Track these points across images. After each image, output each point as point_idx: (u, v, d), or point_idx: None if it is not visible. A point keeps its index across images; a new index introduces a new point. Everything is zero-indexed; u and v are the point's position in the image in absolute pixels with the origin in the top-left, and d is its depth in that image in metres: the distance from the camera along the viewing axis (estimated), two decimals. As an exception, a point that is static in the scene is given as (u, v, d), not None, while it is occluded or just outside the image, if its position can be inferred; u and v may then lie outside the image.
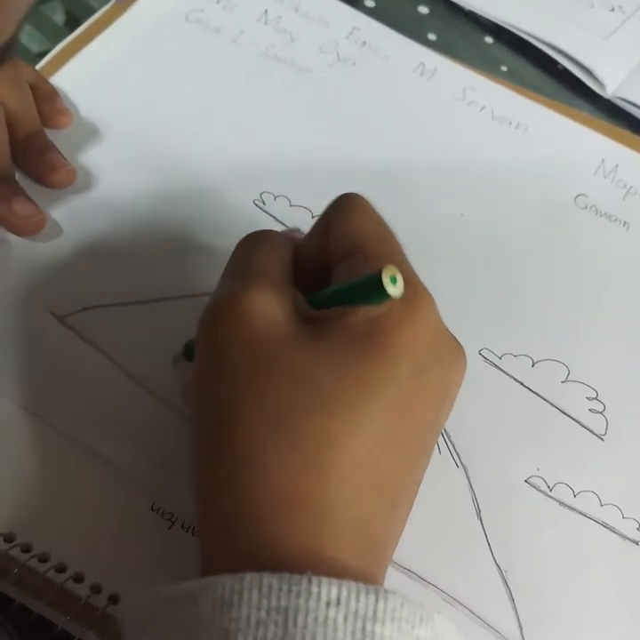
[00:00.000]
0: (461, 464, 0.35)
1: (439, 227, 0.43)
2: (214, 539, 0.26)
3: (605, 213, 0.45)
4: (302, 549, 0.24)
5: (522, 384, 0.38)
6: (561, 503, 0.35)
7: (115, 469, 0.34)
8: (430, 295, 0.27)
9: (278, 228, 0.41)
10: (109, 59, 0.47)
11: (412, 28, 0.52)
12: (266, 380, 0.25)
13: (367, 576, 0.25)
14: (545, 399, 0.38)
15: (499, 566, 0.33)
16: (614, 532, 0.34)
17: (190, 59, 0.48)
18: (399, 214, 0.42)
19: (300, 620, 0.21)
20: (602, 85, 0.52)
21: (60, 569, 0.31)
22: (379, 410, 0.25)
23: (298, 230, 0.36)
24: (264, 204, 0.42)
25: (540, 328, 0.40)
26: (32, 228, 0.39)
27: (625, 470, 0.36)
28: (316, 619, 0.21)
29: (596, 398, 0.38)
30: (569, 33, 0.55)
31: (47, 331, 0.37)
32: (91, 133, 0.44)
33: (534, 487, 0.35)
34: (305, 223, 0.41)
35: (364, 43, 0.50)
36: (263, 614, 0.21)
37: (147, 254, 0.40)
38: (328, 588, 0.21)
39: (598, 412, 0.37)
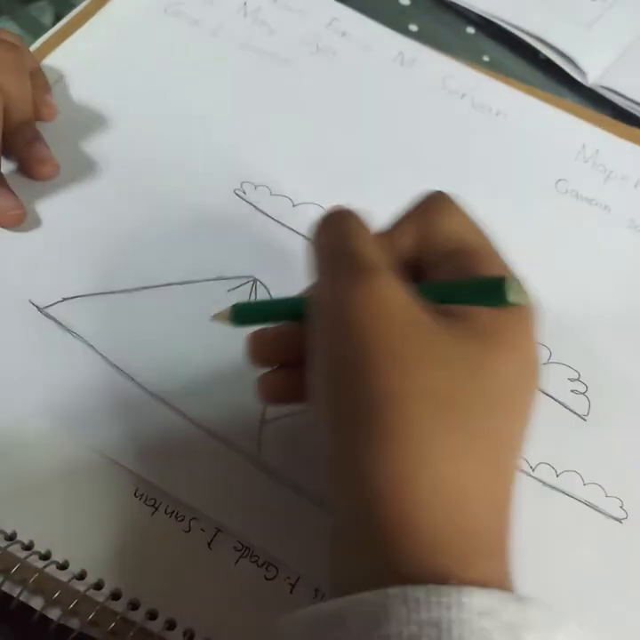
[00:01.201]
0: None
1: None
2: (349, 547, 0.25)
3: (586, 197, 0.45)
4: (434, 554, 0.23)
5: (504, 366, 0.38)
6: (544, 483, 0.35)
7: (98, 456, 0.34)
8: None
9: (259, 217, 0.42)
10: (89, 52, 0.47)
11: (393, 19, 0.53)
12: (425, 365, 0.24)
13: (503, 579, 0.24)
14: (527, 381, 0.38)
15: (482, 546, 0.33)
16: (598, 511, 0.35)
17: (170, 52, 0.48)
18: (380, 203, 0.43)
19: (455, 633, 0.20)
20: (584, 74, 0.53)
21: (45, 557, 0.32)
22: (519, 406, 0.25)
23: None
24: (245, 193, 0.43)
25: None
26: (12, 220, 0.39)
27: (607, 450, 0.36)
28: (471, 630, 0.21)
29: (578, 379, 0.38)
30: (551, 22, 0.55)
31: (28, 321, 0.37)
32: (70, 126, 0.44)
33: (517, 467, 0.35)
34: (286, 211, 0.42)
35: (344, 33, 0.50)
36: (414, 629, 0.21)
37: (127, 244, 0.40)
38: (479, 598, 0.21)
39: (580, 393, 0.38)
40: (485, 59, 0.54)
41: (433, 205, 0.30)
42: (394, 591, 0.21)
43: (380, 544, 0.23)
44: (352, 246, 0.26)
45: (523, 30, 0.55)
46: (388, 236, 0.29)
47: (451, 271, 0.28)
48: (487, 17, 0.55)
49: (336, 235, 0.28)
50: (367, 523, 0.24)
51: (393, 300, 0.25)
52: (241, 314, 0.31)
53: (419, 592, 0.21)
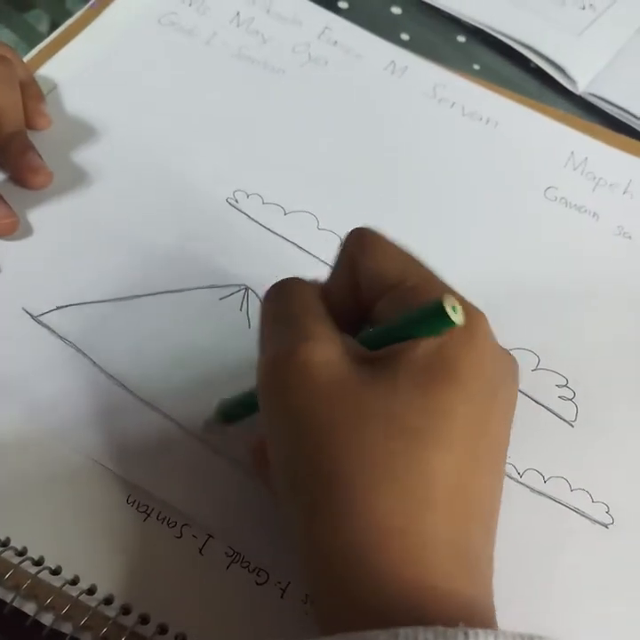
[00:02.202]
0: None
1: (409, 220, 0.44)
2: (330, 588, 0.25)
3: (575, 205, 0.45)
4: (422, 586, 0.24)
5: (493, 373, 0.38)
6: (531, 489, 0.35)
7: (91, 462, 0.34)
8: (482, 313, 0.28)
9: (251, 225, 0.42)
10: (83, 61, 0.48)
11: (385, 29, 0.53)
12: (351, 425, 0.25)
13: (487, 607, 0.25)
14: (516, 387, 0.38)
15: (469, 553, 0.33)
16: (585, 517, 0.35)
17: (164, 61, 0.49)
18: (370, 212, 0.43)
19: None
20: (573, 82, 0.53)
21: (38, 562, 0.32)
22: (461, 433, 0.25)
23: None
24: (237, 202, 0.43)
25: (509, 317, 0.40)
26: (5, 229, 0.40)
27: (595, 456, 0.36)
28: None
29: (566, 385, 0.38)
30: (540, 31, 0.55)
31: (22, 329, 0.37)
32: (63, 136, 0.44)
33: (505, 473, 0.35)
34: (278, 220, 0.42)
35: (336, 42, 0.50)
36: None
37: (120, 252, 0.40)
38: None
39: (568, 399, 0.38)
40: (476, 67, 0.54)
41: (356, 245, 0.30)
42: (404, 631, 0.21)
43: (380, 590, 0.24)
44: (289, 311, 0.28)
45: (513, 39, 0.55)
46: (328, 287, 0.30)
47: (390, 307, 0.28)
48: (478, 25, 0.56)
49: (279, 299, 0.29)
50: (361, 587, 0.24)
51: (320, 365, 0.26)
52: (226, 411, 0.34)
53: (428, 634, 0.21)
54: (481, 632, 0.21)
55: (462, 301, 0.27)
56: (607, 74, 0.54)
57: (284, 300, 0.29)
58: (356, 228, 0.30)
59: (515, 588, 0.33)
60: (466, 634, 0.21)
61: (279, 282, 0.30)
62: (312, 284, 0.30)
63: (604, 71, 0.54)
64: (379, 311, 0.28)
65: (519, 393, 0.37)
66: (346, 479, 0.25)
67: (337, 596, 0.25)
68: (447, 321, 0.24)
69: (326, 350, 0.26)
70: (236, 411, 0.34)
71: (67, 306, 0.38)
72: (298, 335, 0.27)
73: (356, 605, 0.24)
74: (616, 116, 0.52)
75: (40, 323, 0.38)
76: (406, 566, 0.24)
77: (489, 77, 0.53)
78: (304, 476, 0.26)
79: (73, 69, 0.47)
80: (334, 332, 0.28)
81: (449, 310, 0.24)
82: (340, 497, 0.25)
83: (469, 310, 0.27)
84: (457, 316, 0.25)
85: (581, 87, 0.53)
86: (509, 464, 0.36)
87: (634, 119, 0.52)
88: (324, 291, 0.30)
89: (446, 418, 0.25)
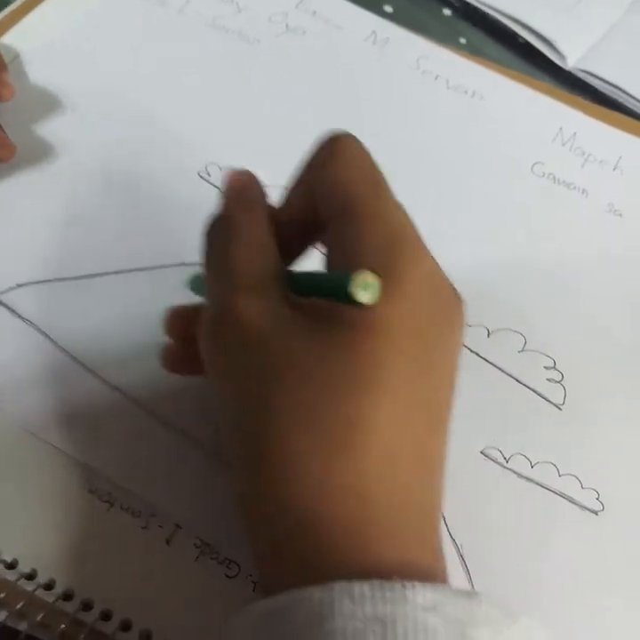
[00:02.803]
0: (415, 436, 0.34)
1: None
2: (273, 553, 0.25)
3: (563, 181, 0.44)
4: (362, 546, 0.23)
5: (477, 354, 0.37)
6: (518, 474, 0.34)
7: (50, 450, 0.32)
8: (418, 247, 0.26)
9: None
10: (48, 30, 0.46)
11: (367, 0, 0.51)
12: (281, 380, 0.25)
13: (429, 562, 0.24)
14: (501, 369, 0.36)
15: (454, 540, 0.32)
16: (573, 503, 0.34)
17: (134, 30, 0.47)
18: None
19: (400, 629, 0.20)
20: (563, 58, 0.52)
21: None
22: (393, 383, 0.24)
23: (247, 174, 0.31)
24: (209, 175, 0.41)
25: (496, 297, 0.39)
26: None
27: (584, 440, 0.35)
28: (415, 626, 0.20)
29: (553, 367, 0.37)
30: (530, 5, 0.54)
31: (-20, 308, 0.36)
32: (27, 107, 0.42)
33: (490, 458, 0.34)
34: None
35: (314, 12, 0.49)
36: (359, 624, 0.20)
37: (85, 228, 0.39)
38: (423, 593, 0.21)
39: (556, 382, 0.36)
40: (462, 41, 0.52)
41: (318, 154, 0.28)
42: (340, 586, 0.21)
43: (315, 551, 0.23)
44: (225, 261, 0.27)
45: (501, 13, 0.53)
46: (285, 205, 0.29)
47: (336, 238, 0.27)
48: (464, -1, 0.54)
49: (217, 243, 0.28)
50: (296, 540, 0.24)
51: (252, 321, 0.25)
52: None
53: (364, 587, 0.21)
54: (418, 585, 0.21)
55: (402, 234, 0.26)
56: (598, 49, 0.52)
57: (220, 243, 0.28)
58: (328, 133, 0.28)
59: (502, 575, 0.32)
60: (403, 586, 0.21)
61: (218, 218, 0.29)
62: (256, 211, 0.29)
63: (595, 47, 0.53)
64: (329, 239, 0.27)
65: (504, 374, 0.36)
66: (268, 424, 0.24)
67: (276, 558, 0.24)
68: (353, 301, 0.23)
69: (261, 303, 0.26)
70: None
71: (27, 284, 0.37)
72: (233, 290, 0.26)
73: (293, 566, 0.24)
74: (606, 92, 0.51)
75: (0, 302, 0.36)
76: (338, 519, 0.23)
77: (475, 52, 0.51)
78: (237, 420, 0.26)
79: (36, 38, 0.45)
80: (274, 277, 0.27)
81: (355, 289, 0.23)
82: (263, 444, 0.24)
83: (410, 247, 0.26)
84: (368, 295, 0.23)
85: (571, 62, 0.52)
86: (495, 449, 0.34)
87: (624, 95, 0.50)
88: (277, 210, 0.29)
89: (372, 371, 0.24)
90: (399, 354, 0.24)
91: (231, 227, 0.28)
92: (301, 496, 0.24)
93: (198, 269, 0.31)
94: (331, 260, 0.27)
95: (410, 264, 0.25)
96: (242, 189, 0.30)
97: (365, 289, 0.23)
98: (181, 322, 0.31)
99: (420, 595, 0.21)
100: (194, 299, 0.31)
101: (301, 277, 0.27)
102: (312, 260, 0.30)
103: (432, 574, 0.24)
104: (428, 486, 0.25)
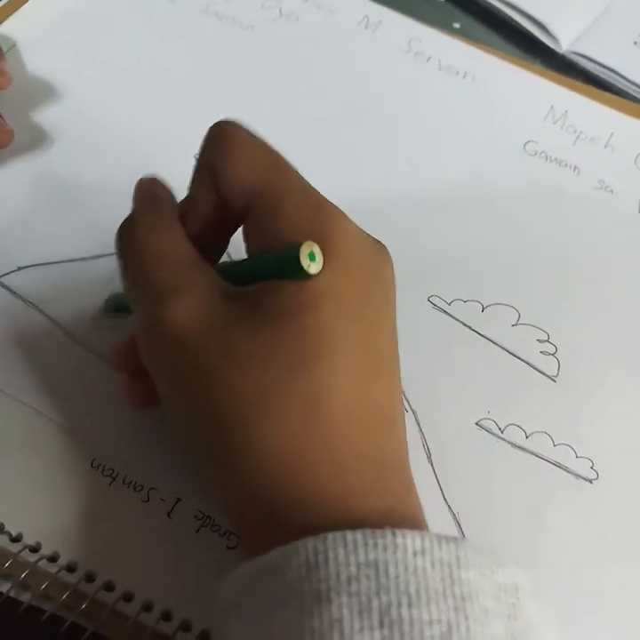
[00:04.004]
0: (411, 409, 0.34)
1: (387, 178, 0.42)
2: (259, 527, 0.26)
3: (555, 159, 0.44)
4: (344, 504, 0.24)
5: (471, 329, 0.37)
6: (513, 445, 0.34)
7: (54, 427, 0.33)
8: (337, 210, 0.27)
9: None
10: (44, 20, 0.46)
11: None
12: (226, 369, 0.25)
13: (410, 510, 0.25)
14: (496, 343, 0.37)
15: (451, 509, 0.32)
16: (568, 472, 0.34)
17: (128, 18, 0.47)
18: (345, 169, 0.42)
19: (392, 571, 0.21)
20: (556, 41, 0.52)
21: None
22: (343, 350, 0.25)
23: (154, 180, 0.31)
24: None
25: (489, 273, 0.39)
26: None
27: (578, 410, 0.35)
28: (406, 568, 0.21)
29: (547, 340, 0.37)
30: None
31: (-19, 291, 0.36)
32: (24, 94, 0.43)
33: (485, 429, 0.34)
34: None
35: (307, -3, 0.49)
36: (353, 570, 0.21)
37: (84, 212, 0.39)
38: (412, 539, 0.22)
39: (550, 354, 0.37)
40: (456, 25, 0.53)
41: (213, 148, 0.28)
42: (333, 535, 0.22)
43: (300, 517, 0.24)
44: (143, 270, 0.27)
45: (494, -5, 0.54)
46: (193, 202, 0.29)
47: (253, 225, 0.27)
48: (457, -17, 0.54)
49: (130, 258, 0.28)
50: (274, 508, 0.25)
51: (185, 327, 0.25)
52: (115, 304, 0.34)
53: (357, 535, 0.22)
54: (407, 531, 0.22)
55: (317, 204, 0.26)
56: (591, 32, 0.52)
57: (132, 252, 0.27)
58: (213, 126, 0.28)
59: (498, 543, 0.31)
60: (394, 533, 0.22)
61: (121, 229, 0.28)
62: (161, 214, 0.28)
63: (589, 30, 0.52)
64: (249, 223, 0.27)
65: (498, 348, 0.37)
66: (230, 423, 0.25)
67: (266, 533, 0.25)
68: (302, 273, 0.24)
69: (188, 304, 0.25)
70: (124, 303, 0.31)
71: (28, 267, 0.37)
72: (156, 300, 0.26)
73: (280, 533, 0.24)
74: (600, 74, 0.51)
75: (1, 284, 0.36)
76: (320, 487, 0.24)
77: (469, 36, 0.51)
78: (195, 430, 0.26)
79: (33, 27, 0.45)
80: (195, 273, 0.26)
81: (304, 261, 0.24)
82: (229, 442, 0.25)
83: (326, 215, 0.26)
84: (314, 265, 0.24)
85: (565, 45, 0.52)
86: (490, 420, 0.35)
87: (618, 77, 0.50)
88: (183, 210, 0.29)
89: (322, 339, 0.25)
90: (344, 317, 0.25)
91: (138, 234, 0.28)
92: (278, 475, 0.24)
93: (114, 290, 0.31)
94: (253, 246, 0.27)
95: (336, 229, 0.26)
96: (146, 195, 0.29)
97: (312, 259, 0.24)
98: (125, 357, 0.31)
99: (410, 540, 0.22)
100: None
101: (233, 267, 0.27)
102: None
103: (417, 522, 0.25)
104: (394, 438, 0.26)
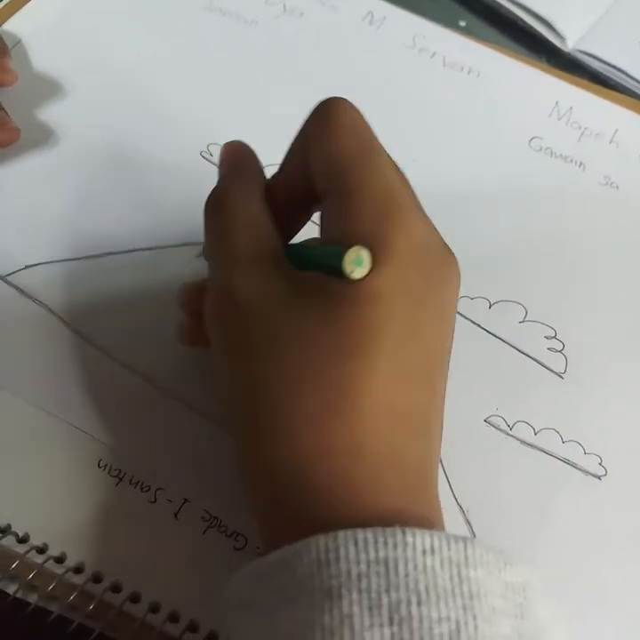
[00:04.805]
0: (419, 406, 0.34)
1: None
2: (272, 513, 0.26)
3: (561, 155, 0.44)
4: (358, 501, 0.24)
5: (479, 326, 0.37)
6: (522, 442, 0.34)
7: (61, 425, 0.33)
8: (409, 210, 0.26)
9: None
10: (49, 16, 0.46)
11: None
12: (278, 352, 0.25)
13: (425, 513, 0.25)
14: (503, 340, 0.37)
15: (460, 506, 0.32)
16: (576, 468, 0.34)
17: (133, 14, 0.47)
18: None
19: (402, 569, 0.21)
20: (562, 39, 0.51)
21: (4, 530, 0.30)
22: (385, 349, 0.25)
23: (242, 146, 0.32)
24: (211, 155, 0.41)
25: (496, 269, 0.39)
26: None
27: (586, 407, 0.35)
28: (415, 566, 0.21)
29: (554, 337, 0.37)
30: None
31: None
32: (29, 91, 0.42)
33: (494, 426, 0.34)
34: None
35: (311, -7, 0.49)
36: (363, 567, 0.21)
37: (90, 209, 0.39)
38: (422, 538, 0.22)
39: (557, 351, 0.37)
40: (462, 23, 0.52)
41: (314, 122, 0.29)
42: (344, 533, 0.22)
43: (314, 507, 0.24)
44: (222, 238, 0.28)
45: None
46: (282, 175, 0.30)
47: (327, 210, 0.27)
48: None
49: (214, 219, 0.29)
50: (299, 494, 0.24)
51: (248, 299, 0.26)
52: None
53: (367, 533, 0.22)
54: (417, 530, 0.22)
55: (393, 201, 0.26)
56: (597, 31, 0.52)
57: (217, 218, 0.29)
58: (322, 100, 0.29)
59: (506, 539, 0.32)
60: (403, 532, 0.22)
61: (214, 192, 0.29)
62: (250, 184, 0.29)
63: (595, 28, 0.52)
64: (326, 206, 0.28)
65: (506, 345, 0.36)
66: (263, 396, 0.25)
67: (278, 517, 0.25)
68: (345, 276, 0.24)
69: (253, 276, 0.26)
70: None
71: (35, 265, 0.37)
72: (226, 265, 0.27)
73: (292, 523, 0.24)
74: (606, 73, 0.50)
75: (8, 282, 0.36)
76: (334, 478, 0.24)
77: (475, 35, 0.50)
78: (234, 393, 0.26)
79: (37, 24, 0.45)
80: (267, 248, 0.27)
81: (348, 266, 0.24)
82: (259, 413, 0.25)
83: (398, 213, 0.26)
84: (359, 270, 0.24)
85: (571, 44, 0.51)
86: (499, 417, 0.35)
87: (624, 76, 0.50)
88: (273, 182, 0.30)
89: (364, 336, 0.25)
90: (390, 321, 0.25)
91: (226, 202, 0.29)
92: (297, 457, 0.24)
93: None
94: (325, 231, 0.28)
95: (399, 232, 0.25)
96: (236, 163, 0.30)
97: (356, 264, 0.24)
98: (192, 297, 0.32)
99: (419, 539, 0.22)
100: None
101: (298, 251, 0.28)
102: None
103: (429, 524, 0.24)
104: (421, 446, 0.26)
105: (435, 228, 0.27)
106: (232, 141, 0.31)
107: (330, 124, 0.28)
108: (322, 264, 0.26)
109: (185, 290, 0.33)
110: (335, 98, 0.29)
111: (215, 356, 0.28)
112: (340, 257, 0.24)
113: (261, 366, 0.25)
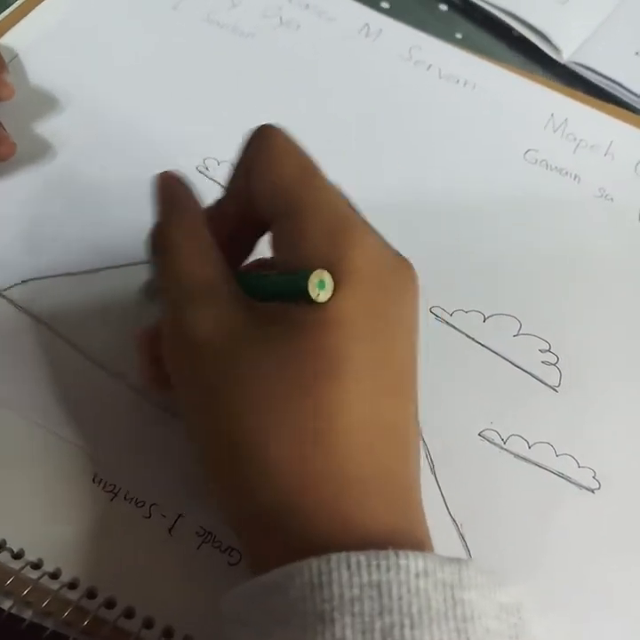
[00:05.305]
0: (414, 420, 0.34)
1: (385, 187, 0.42)
2: (262, 540, 0.25)
3: (556, 167, 0.44)
4: (345, 525, 0.24)
5: (474, 340, 0.37)
6: (516, 455, 0.34)
7: (56, 440, 0.33)
8: (359, 226, 0.27)
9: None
10: (46, 29, 0.46)
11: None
12: (243, 387, 0.25)
13: (415, 532, 0.25)
14: (497, 353, 0.37)
15: (454, 520, 0.32)
16: (570, 482, 0.34)
17: (130, 27, 0.47)
18: (347, 175, 0.42)
19: (395, 592, 0.21)
20: (558, 51, 0.52)
21: (-1, 546, 0.30)
22: (354, 369, 0.25)
23: (174, 180, 0.31)
24: (207, 169, 0.41)
25: (490, 283, 0.39)
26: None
27: (579, 420, 0.35)
28: (408, 590, 0.21)
29: (548, 350, 0.37)
30: (524, -1, 0.54)
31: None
32: (26, 105, 0.43)
33: (488, 440, 0.34)
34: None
35: (308, 5, 0.49)
36: (356, 591, 0.21)
37: (87, 224, 0.39)
38: (414, 561, 0.22)
39: (551, 364, 0.37)
40: (458, 35, 0.52)
41: (252, 150, 0.29)
42: (336, 556, 0.22)
43: (301, 535, 0.24)
44: (169, 276, 0.28)
45: (496, 7, 0.53)
46: (224, 203, 0.30)
47: (276, 237, 0.27)
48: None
49: (159, 264, 0.29)
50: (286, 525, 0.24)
51: (203, 336, 0.26)
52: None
53: (360, 557, 0.22)
54: (410, 553, 0.22)
55: (343, 218, 0.26)
56: (593, 42, 0.52)
57: (162, 258, 0.28)
58: (256, 127, 0.29)
59: (500, 554, 0.32)
60: (397, 554, 0.22)
61: (154, 232, 0.29)
62: (190, 219, 0.29)
63: (590, 40, 0.52)
64: (274, 233, 0.28)
65: (500, 358, 0.36)
66: (236, 433, 0.25)
67: (266, 542, 0.25)
68: (311, 301, 0.24)
69: (208, 314, 0.26)
70: None
71: (32, 280, 0.37)
72: (179, 305, 0.27)
73: (281, 551, 0.24)
74: (602, 85, 0.51)
75: (4, 297, 0.36)
76: (322, 505, 0.24)
77: (471, 46, 0.51)
78: (204, 433, 0.26)
79: (34, 37, 0.45)
80: (218, 283, 0.27)
81: (312, 291, 0.24)
82: (234, 454, 0.25)
83: (348, 230, 0.26)
84: (323, 293, 0.24)
85: (566, 56, 0.51)
86: (493, 431, 0.35)
87: (620, 88, 0.50)
88: (214, 213, 0.30)
89: (331, 361, 0.25)
90: (357, 341, 0.25)
91: (168, 241, 0.28)
92: (281, 488, 0.24)
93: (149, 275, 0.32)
94: (277, 257, 0.28)
95: (354, 250, 0.26)
96: (171, 197, 0.30)
97: (319, 288, 0.24)
98: (148, 344, 0.31)
99: (413, 562, 0.22)
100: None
101: (253, 281, 0.28)
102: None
103: (420, 544, 0.25)
104: (402, 461, 0.26)
105: (385, 240, 0.27)
106: (163, 173, 0.31)
107: (271, 148, 0.28)
108: (281, 291, 0.26)
109: (140, 337, 0.32)
110: (270, 124, 0.29)
111: (180, 399, 0.27)
112: (305, 281, 0.24)
113: (230, 402, 0.25)
